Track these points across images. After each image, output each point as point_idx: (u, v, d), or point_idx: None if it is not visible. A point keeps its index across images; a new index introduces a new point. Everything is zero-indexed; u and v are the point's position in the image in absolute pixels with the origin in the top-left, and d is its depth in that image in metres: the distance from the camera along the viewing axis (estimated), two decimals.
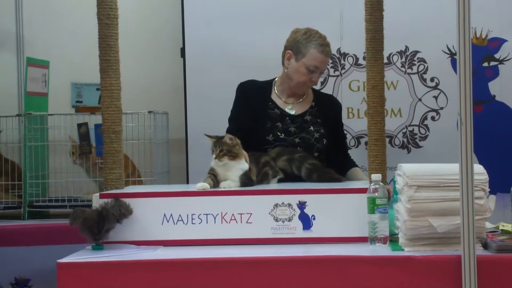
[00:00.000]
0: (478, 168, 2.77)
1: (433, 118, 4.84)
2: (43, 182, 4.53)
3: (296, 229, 3.05)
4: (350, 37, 4.79)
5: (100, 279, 2.80)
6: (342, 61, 4.85)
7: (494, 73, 4.81)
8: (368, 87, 3.51)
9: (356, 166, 3.98)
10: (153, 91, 5.22)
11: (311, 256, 2.82)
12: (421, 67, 4.84)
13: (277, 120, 3.88)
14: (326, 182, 3.47)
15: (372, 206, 2.89)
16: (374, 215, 2.90)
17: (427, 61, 4.84)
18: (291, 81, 3.90)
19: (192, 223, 3.07)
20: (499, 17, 4.79)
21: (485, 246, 2.80)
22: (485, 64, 4.81)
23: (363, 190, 2.97)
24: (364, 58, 3.74)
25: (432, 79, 4.84)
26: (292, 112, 3.92)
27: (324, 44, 3.85)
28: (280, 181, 3.53)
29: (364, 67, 3.68)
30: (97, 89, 4.34)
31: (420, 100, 4.84)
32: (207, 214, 3.06)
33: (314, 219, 3.04)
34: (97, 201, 3.09)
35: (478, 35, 4.79)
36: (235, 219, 3.06)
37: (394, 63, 4.83)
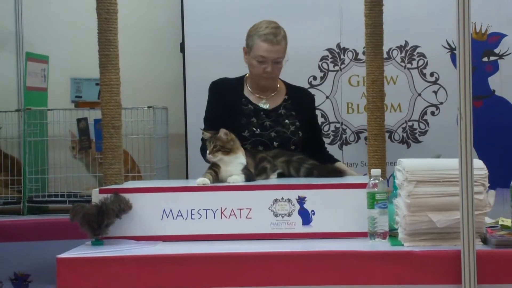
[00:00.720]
0: (478, 163, 2.77)
1: (432, 113, 4.84)
2: (42, 177, 4.53)
3: (296, 224, 3.04)
4: (349, 32, 4.79)
5: (100, 274, 2.80)
6: (342, 56, 4.85)
7: (493, 68, 4.81)
8: (368, 82, 3.52)
9: (338, 160, 3.97)
10: (153, 86, 5.22)
11: (310, 252, 2.82)
12: (420, 62, 4.84)
13: (252, 115, 3.87)
14: (329, 175, 3.46)
15: (372, 201, 2.89)
16: (373, 210, 2.89)
17: (426, 56, 4.84)
18: (252, 75, 3.91)
19: (191, 218, 3.06)
20: (499, 12, 4.79)
21: (485, 241, 2.80)
22: (485, 59, 4.81)
23: (362, 185, 2.97)
24: (363, 53, 3.74)
25: (431, 74, 4.84)
26: (266, 107, 3.91)
27: (268, 33, 3.80)
28: (280, 175, 3.53)
29: (363, 62, 3.69)
30: (97, 84, 4.34)
31: (419, 95, 4.84)
32: (206, 210, 3.06)
33: (313, 214, 3.04)
34: (96, 196, 3.09)
35: (478, 30, 4.78)
36: (234, 214, 3.05)
37: (394, 58, 4.83)
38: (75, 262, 2.82)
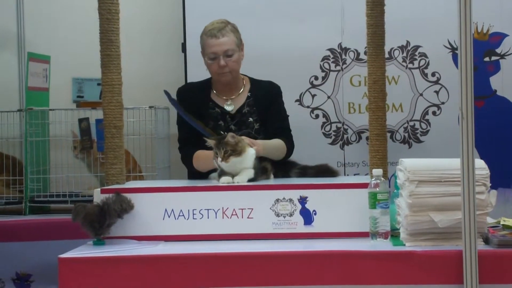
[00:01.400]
0: (479, 163, 2.77)
1: (434, 113, 4.83)
2: (44, 177, 4.54)
3: (297, 224, 3.05)
4: (351, 32, 4.79)
5: (102, 274, 2.81)
6: (343, 56, 4.85)
7: (495, 68, 4.81)
8: (369, 82, 3.51)
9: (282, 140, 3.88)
10: (154, 86, 5.21)
11: (312, 251, 2.82)
12: (422, 62, 4.84)
13: (219, 118, 3.87)
14: (323, 173, 3.46)
15: (373, 201, 2.89)
16: (375, 210, 2.89)
17: (428, 56, 4.83)
18: (212, 76, 3.91)
19: (193, 218, 3.07)
20: (500, 12, 4.79)
21: (486, 241, 2.80)
22: (487, 59, 4.80)
23: (364, 185, 2.97)
24: (365, 53, 3.73)
25: (433, 74, 4.83)
26: (231, 108, 3.89)
27: (212, 29, 3.82)
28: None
29: (365, 62, 3.68)
30: (98, 84, 4.33)
31: (421, 95, 4.84)
32: (208, 209, 3.06)
33: (315, 214, 3.04)
34: (98, 196, 3.09)
35: (479, 30, 4.78)
36: (236, 214, 3.06)
37: (395, 58, 4.83)
38: (76, 262, 2.82)
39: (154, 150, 4.56)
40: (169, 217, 3.07)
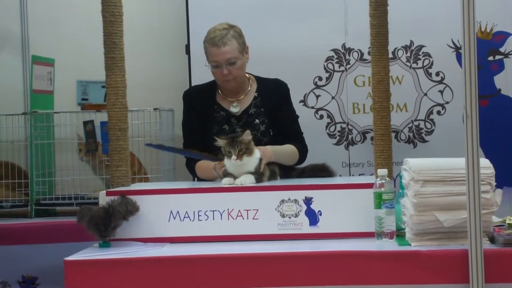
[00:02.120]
0: (484, 162, 2.76)
1: (438, 113, 4.83)
2: (49, 180, 4.54)
3: (303, 225, 3.05)
4: (355, 32, 4.79)
5: (107, 276, 2.81)
6: (347, 57, 4.85)
7: (499, 67, 4.81)
8: (373, 82, 3.52)
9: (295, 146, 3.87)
10: (159, 88, 5.22)
11: (317, 252, 2.82)
12: (426, 62, 4.83)
13: (224, 122, 3.83)
14: (319, 171, 3.47)
15: (379, 201, 2.89)
16: (380, 210, 2.89)
17: (432, 56, 4.83)
18: (216, 81, 3.89)
19: (198, 220, 3.07)
20: (504, 11, 4.78)
21: (492, 240, 2.80)
22: (490, 58, 4.80)
23: (369, 185, 2.97)
24: (369, 53, 3.74)
25: (437, 74, 4.83)
26: (237, 110, 3.86)
27: (214, 37, 3.76)
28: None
29: (369, 62, 3.69)
30: (103, 87, 4.34)
31: (425, 94, 4.84)
32: (213, 211, 3.06)
33: (320, 214, 3.04)
34: (103, 199, 3.09)
35: (483, 29, 4.78)
36: (241, 216, 3.06)
37: (399, 58, 4.83)
38: (82, 265, 2.83)
39: (159, 152, 4.56)
40: (174, 218, 3.07)
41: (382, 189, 2.89)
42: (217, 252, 2.85)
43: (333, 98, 4.86)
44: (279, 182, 3.42)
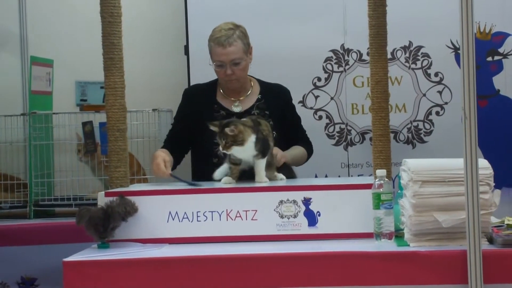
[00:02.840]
0: (483, 163, 2.77)
1: (437, 113, 4.83)
2: (48, 181, 4.54)
3: (302, 226, 3.05)
4: (353, 33, 4.79)
5: (106, 277, 2.81)
6: (346, 57, 4.85)
7: (498, 67, 4.81)
8: (372, 83, 3.51)
9: (304, 146, 3.97)
10: (157, 89, 5.22)
11: (316, 253, 2.82)
12: (425, 62, 4.84)
13: None
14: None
15: (377, 202, 2.89)
16: (379, 211, 2.89)
17: (431, 56, 4.83)
18: (219, 80, 3.91)
19: (197, 221, 3.07)
20: (503, 11, 4.78)
21: (491, 240, 2.80)
22: (489, 59, 4.80)
23: (368, 186, 2.97)
24: (368, 54, 3.73)
25: (436, 74, 4.83)
26: (238, 109, 3.89)
27: (219, 36, 3.77)
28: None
29: (368, 62, 3.68)
30: (102, 88, 4.33)
31: (424, 95, 4.84)
32: (212, 212, 3.06)
33: (319, 215, 3.04)
34: (102, 200, 3.09)
35: (481, 30, 4.78)
36: (240, 216, 3.06)
37: (398, 59, 4.83)
38: (81, 266, 2.83)
39: None
40: (173, 219, 3.08)
41: (381, 189, 2.89)
42: (216, 253, 2.85)
43: (332, 98, 4.86)
44: (277, 182, 3.42)
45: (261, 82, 4.00)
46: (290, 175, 3.68)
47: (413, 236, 2.82)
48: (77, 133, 4.54)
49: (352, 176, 4.74)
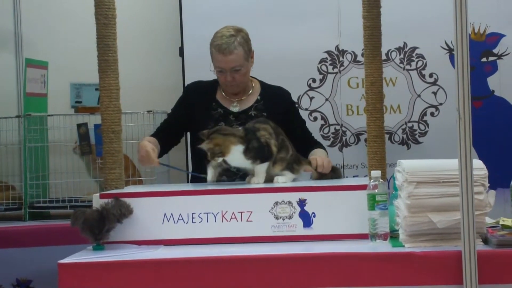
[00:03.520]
0: (478, 164, 2.77)
1: (432, 114, 4.84)
2: (43, 183, 4.54)
3: (297, 227, 3.05)
4: (348, 34, 4.79)
5: (101, 279, 2.81)
6: (341, 58, 4.85)
7: (492, 68, 4.82)
8: (367, 84, 3.52)
9: (321, 147, 3.95)
10: (152, 90, 5.22)
11: (311, 254, 2.82)
12: (419, 63, 4.84)
13: (220, 120, 3.84)
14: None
15: (372, 203, 2.89)
16: (374, 212, 2.90)
17: (425, 57, 4.84)
18: (219, 83, 3.92)
19: (192, 222, 3.07)
20: (497, 12, 4.79)
21: (486, 241, 2.80)
22: (484, 60, 4.81)
23: (363, 187, 2.97)
24: (362, 55, 3.74)
25: (431, 75, 4.84)
26: (236, 109, 3.89)
27: (220, 43, 3.76)
28: None
29: (362, 64, 3.69)
30: (96, 89, 4.34)
31: (419, 96, 4.84)
32: (207, 213, 3.06)
33: (314, 216, 3.04)
34: (97, 201, 3.09)
35: (476, 31, 4.79)
36: (235, 218, 3.06)
37: (393, 60, 4.83)
38: (76, 267, 2.82)
39: None
40: (168, 221, 3.07)
41: (376, 190, 2.90)
42: (211, 254, 2.85)
43: (326, 100, 4.87)
44: (273, 184, 3.41)
45: (262, 84, 3.99)
46: (339, 175, 3.64)
47: (408, 237, 2.82)
48: (76, 141, 4.54)
49: (347, 177, 4.74)
